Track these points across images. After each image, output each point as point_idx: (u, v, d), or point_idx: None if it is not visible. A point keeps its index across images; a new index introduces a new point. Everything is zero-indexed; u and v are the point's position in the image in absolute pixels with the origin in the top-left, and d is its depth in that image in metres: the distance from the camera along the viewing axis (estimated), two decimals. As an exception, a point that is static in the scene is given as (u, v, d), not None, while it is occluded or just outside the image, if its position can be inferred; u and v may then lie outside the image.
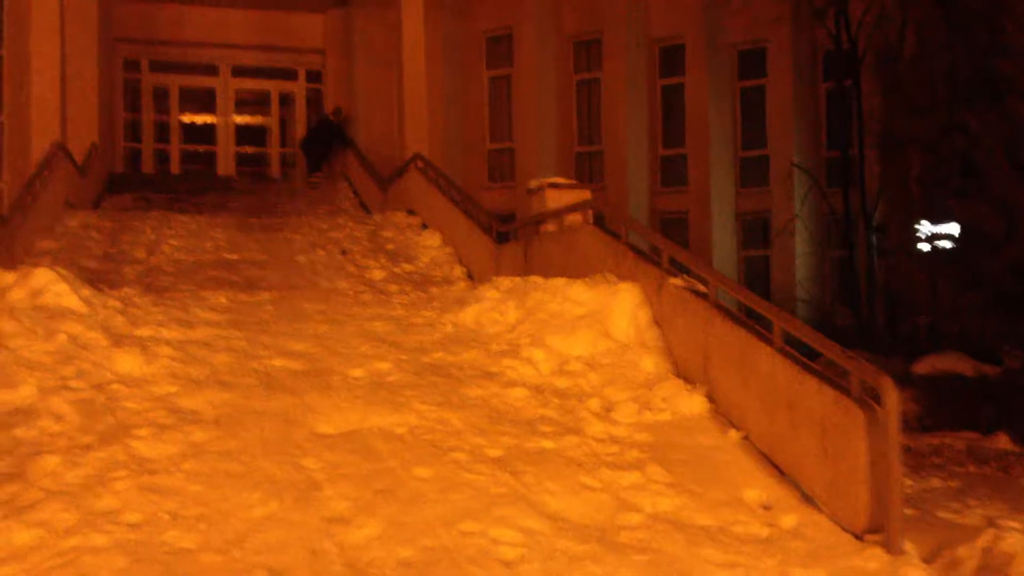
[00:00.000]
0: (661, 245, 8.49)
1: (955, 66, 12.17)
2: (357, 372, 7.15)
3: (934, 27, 12.97)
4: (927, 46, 13.10)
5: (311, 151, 20.81)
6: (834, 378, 6.16)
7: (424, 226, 14.39)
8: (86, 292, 7.76)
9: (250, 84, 23.06)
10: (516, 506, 5.55)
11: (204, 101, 22.99)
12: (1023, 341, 10.41)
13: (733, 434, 6.77)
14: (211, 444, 5.92)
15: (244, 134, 23.26)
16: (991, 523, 6.24)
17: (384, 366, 7.32)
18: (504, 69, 22.40)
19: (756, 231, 20.99)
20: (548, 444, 6.39)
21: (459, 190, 13.88)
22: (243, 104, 23.32)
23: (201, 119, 23.27)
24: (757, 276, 20.43)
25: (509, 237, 11.76)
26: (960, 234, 12.10)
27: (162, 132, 22.52)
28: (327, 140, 20.70)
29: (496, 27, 22.34)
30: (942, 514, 6.51)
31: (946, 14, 12.71)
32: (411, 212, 15.21)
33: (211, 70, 22.68)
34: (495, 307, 8.58)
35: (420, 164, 15.52)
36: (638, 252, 8.79)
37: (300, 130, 23.23)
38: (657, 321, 8.12)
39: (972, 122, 11.07)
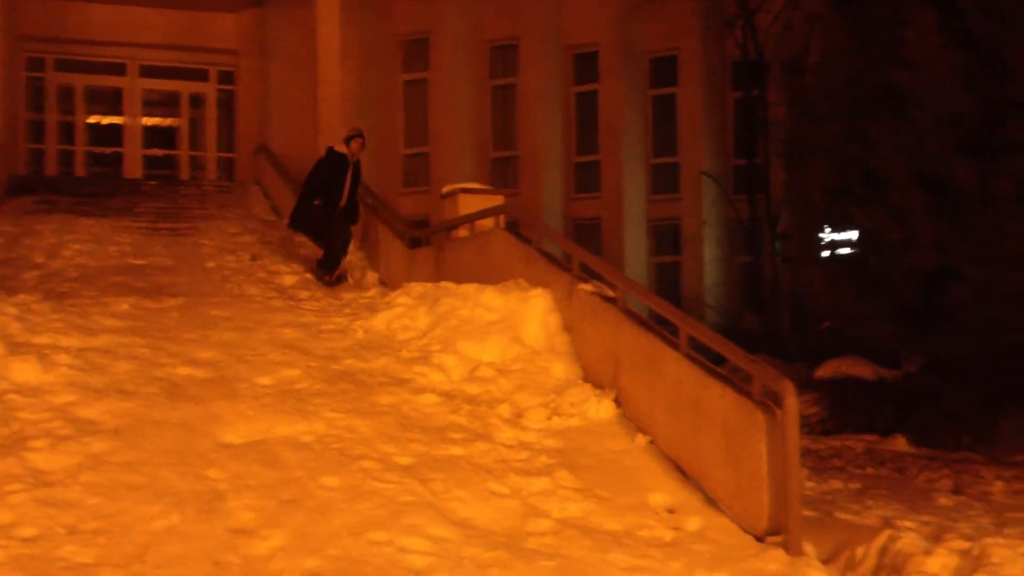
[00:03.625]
0: (572, 251, 8.59)
1: (857, 76, 12.52)
2: (265, 380, 7.06)
3: (837, 38, 13.34)
4: (831, 57, 13.47)
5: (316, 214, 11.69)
6: (738, 382, 6.30)
7: (337, 231, 14.22)
8: (-19, 299, 7.51)
9: (159, 84, 22.56)
10: (425, 514, 5.54)
11: (111, 102, 22.41)
12: (920, 345, 10.78)
13: (640, 439, 6.87)
14: (111, 455, 5.77)
15: (153, 136, 22.75)
16: (888, 523, 6.45)
17: (293, 373, 7.24)
18: (421, 73, 22.35)
19: (667, 237, 21.32)
20: (458, 451, 6.40)
21: (373, 195, 13.79)
22: (152, 105, 22.80)
23: (108, 120, 22.69)
24: (668, 282, 20.74)
25: (422, 243, 11.73)
26: (860, 241, 12.46)
27: (67, 133, 21.88)
28: (342, 191, 11.77)
29: (413, 30, 22.27)
30: (841, 515, 6.70)
31: (849, 25, 13.08)
32: (324, 217, 15.02)
33: (118, 69, 22.13)
34: (407, 313, 8.56)
35: (334, 168, 15.33)
36: (550, 258, 8.87)
37: (211, 132, 22.82)
38: (568, 327, 8.20)
39: (872, 131, 11.39)
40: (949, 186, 10.37)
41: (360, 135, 12.12)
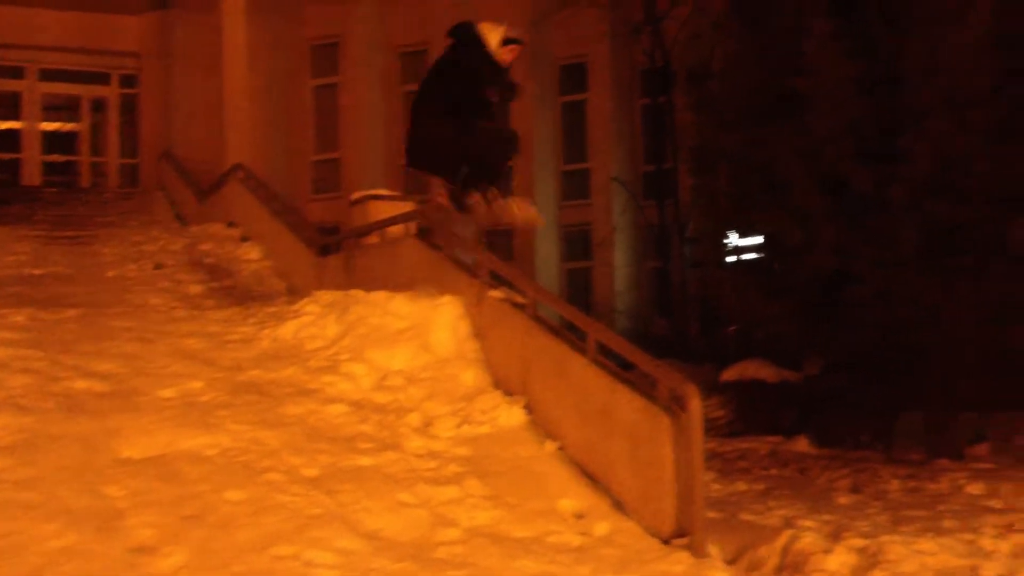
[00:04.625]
0: (481, 257, 8.59)
1: (760, 84, 12.79)
2: (167, 392, 6.88)
3: (740, 46, 13.61)
4: (734, 64, 13.74)
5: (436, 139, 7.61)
6: (645, 387, 6.37)
7: (244, 239, 14.02)
8: None
9: (59, 89, 21.94)
10: (332, 526, 5.47)
11: (9, 106, 21.71)
12: (822, 347, 11.07)
13: (550, 445, 6.90)
14: (5, 472, 5.57)
15: (52, 142, 22.10)
16: (789, 523, 6.61)
17: (196, 385, 7.07)
18: (331, 78, 22.15)
19: (578, 243, 21.51)
20: (366, 461, 6.33)
21: (281, 202, 13.62)
22: (51, 110, 22.15)
23: (5, 125, 21.95)
24: (579, 288, 20.93)
25: (332, 250, 11.62)
26: (765, 245, 12.74)
27: (-38, 139, 21.16)
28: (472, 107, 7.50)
29: (323, 35, 22.07)
30: (746, 516, 6.84)
31: (750, 34, 13.35)
32: (231, 224, 14.80)
33: (16, 73, 21.45)
34: (315, 322, 8.44)
35: (241, 174, 15.16)
36: (460, 264, 8.84)
37: (113, 137, 22.23)
38: (478, 334, 8.18)
39: (773, 137, 11.66)
40: (847, 191, 10.68)
41: (521, 42, 7.44)
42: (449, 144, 7.49)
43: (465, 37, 7.34)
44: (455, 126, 7.42)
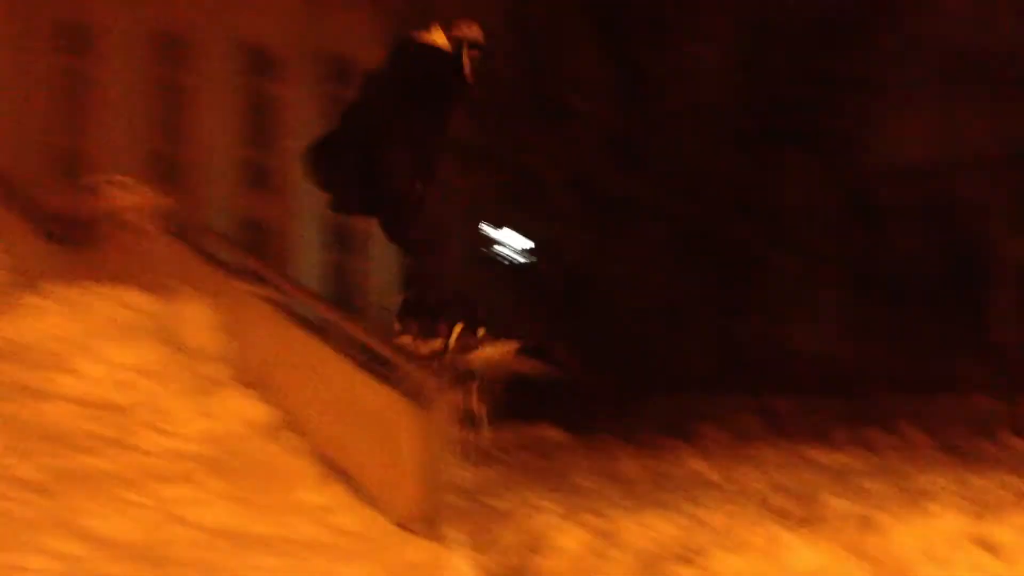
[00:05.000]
0: (233, 252, 8.38)
1: (524, 89, 13.17)
2: None
3: (510, 54, 13.97)
4: (504, 72, 14.09)
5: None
6: (394, 380, 6.41)
7: (-27, 228, 12.92)
8: None
9: None
10: (54, 532, 5.12)
11: None
12: (573, 339, 11.53)
13: (296, 439, 6.78)
14: None
15: None
16: (531, 506, 6.90)
17: (-101, 386, 6.46)
18: (80, 61, 20.86)
19: (345, 238, 21.28)
20: (95, 461, 6.00)
21: (12, 188, 12.64)
22: None
23: None
24: (347, 284, 20.72)
25: (71, 240, 10.90)
26: (528, 244, 13.14)
27: None
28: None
29: (72, 15, 20.76)
30: (490, 501, 7.06)
31: (520, 43, 13.72)
32: (-43, 213, 13.61)
33: None
34: (44, 317, 7.90)
35: (-29, 160, 13.99)
36: (209, 258, 8.57)
37: None
38: (225, 329, 7.93)
39: (534, 140, 12.04)
40: (599, 194, 11.17)
41: (482, 47, 6.08)
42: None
43: (418, 49, 5.94)
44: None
